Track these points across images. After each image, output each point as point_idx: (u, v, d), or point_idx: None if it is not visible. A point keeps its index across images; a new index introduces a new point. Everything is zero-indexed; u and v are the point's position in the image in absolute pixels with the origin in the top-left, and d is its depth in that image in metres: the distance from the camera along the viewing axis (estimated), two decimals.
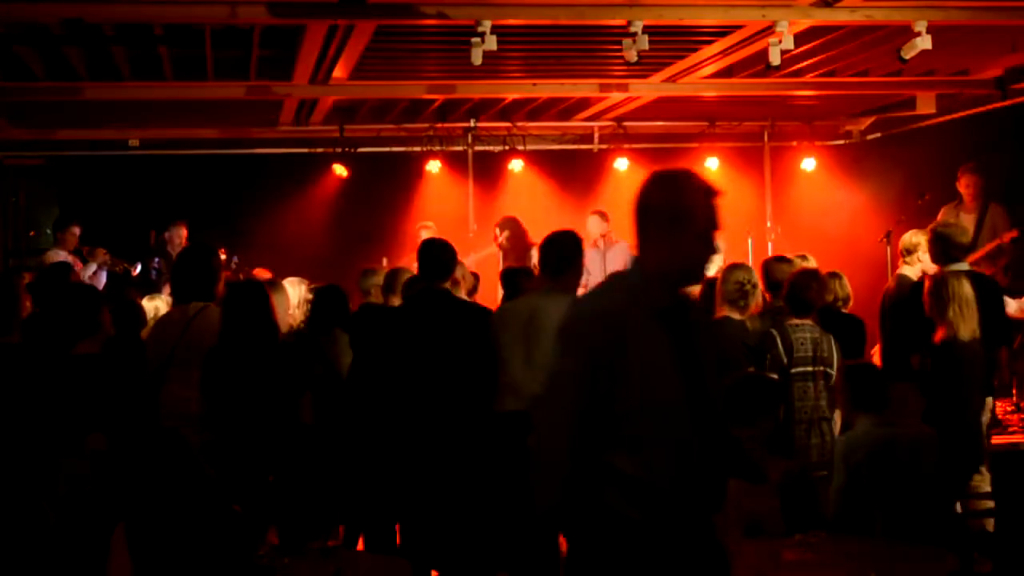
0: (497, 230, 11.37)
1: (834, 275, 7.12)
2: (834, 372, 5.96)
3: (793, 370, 5.90)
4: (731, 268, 6.50)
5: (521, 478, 5.36)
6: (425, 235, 10.47)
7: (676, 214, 3.05)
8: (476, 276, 8.83)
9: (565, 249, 5.81)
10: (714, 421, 3.12)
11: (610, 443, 3.01)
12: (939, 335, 6.06)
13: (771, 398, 4.94)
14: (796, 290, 6.14)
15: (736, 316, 6.33)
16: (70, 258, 10.08)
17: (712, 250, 3.10)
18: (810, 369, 5.94)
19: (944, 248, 6.79)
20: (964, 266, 6.74)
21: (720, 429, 3.17)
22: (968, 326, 6.02)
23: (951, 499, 5.20)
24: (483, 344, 5.82)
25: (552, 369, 3.13)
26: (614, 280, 3.23)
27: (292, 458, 5.40)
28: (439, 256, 5.94)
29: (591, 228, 11.00)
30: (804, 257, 7.50)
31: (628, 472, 3.00)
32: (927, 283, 6.25)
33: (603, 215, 11.15)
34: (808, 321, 6.06)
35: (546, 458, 3.05)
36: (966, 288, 6.07)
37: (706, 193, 3.09)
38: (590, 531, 3.05)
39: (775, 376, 5.59)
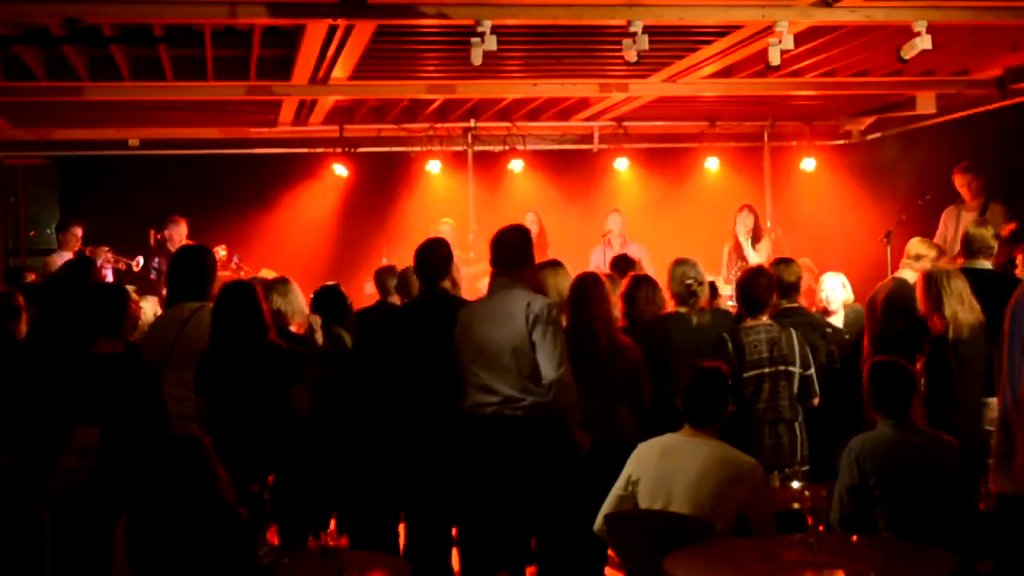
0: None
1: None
2: (796, 370, 5.92)
3: (747, 373, 5.85)
4: (677, 264, 6.48)
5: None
6: (445, 231, 10.50)
7: None
8: None
9: (517, 245, 5.68)
10: None
11: None
12: (936, 331, 5.94)
13: (724, 391, 4.89)
14: (743, 290, 6.11)
15: (684, 312, 6.35)
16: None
17: None
18: (766, 370, 5.88)
19: (965, 246, 6.75)
20: (985, 264, 6.66)
21: None
22: (966, 321, 5.93)
23: (963, 505, 5.11)
24: None
25: None
26: None
27: (282, 457, 5.42)
28: (434, 257, 5.93)
29: (611, 224, 11.12)
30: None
31: None
32: (920, 280, 6.19)
33: (622, 215, 11.27)
34: (763, 321, 6.01)
35: None
36: (958, 283, 5.96)
37: None
38: None
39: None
